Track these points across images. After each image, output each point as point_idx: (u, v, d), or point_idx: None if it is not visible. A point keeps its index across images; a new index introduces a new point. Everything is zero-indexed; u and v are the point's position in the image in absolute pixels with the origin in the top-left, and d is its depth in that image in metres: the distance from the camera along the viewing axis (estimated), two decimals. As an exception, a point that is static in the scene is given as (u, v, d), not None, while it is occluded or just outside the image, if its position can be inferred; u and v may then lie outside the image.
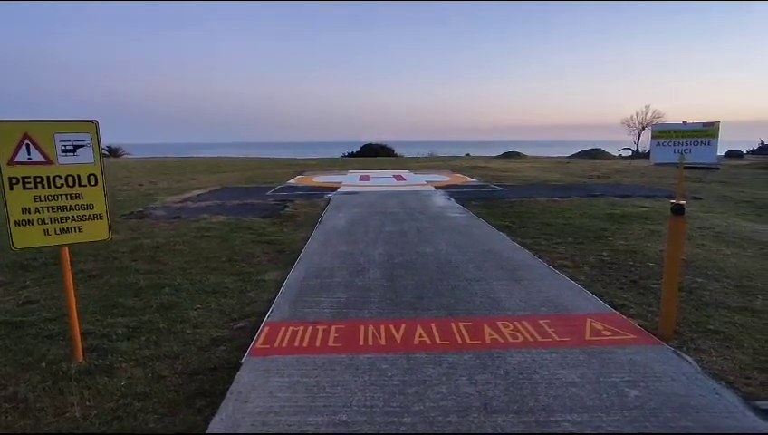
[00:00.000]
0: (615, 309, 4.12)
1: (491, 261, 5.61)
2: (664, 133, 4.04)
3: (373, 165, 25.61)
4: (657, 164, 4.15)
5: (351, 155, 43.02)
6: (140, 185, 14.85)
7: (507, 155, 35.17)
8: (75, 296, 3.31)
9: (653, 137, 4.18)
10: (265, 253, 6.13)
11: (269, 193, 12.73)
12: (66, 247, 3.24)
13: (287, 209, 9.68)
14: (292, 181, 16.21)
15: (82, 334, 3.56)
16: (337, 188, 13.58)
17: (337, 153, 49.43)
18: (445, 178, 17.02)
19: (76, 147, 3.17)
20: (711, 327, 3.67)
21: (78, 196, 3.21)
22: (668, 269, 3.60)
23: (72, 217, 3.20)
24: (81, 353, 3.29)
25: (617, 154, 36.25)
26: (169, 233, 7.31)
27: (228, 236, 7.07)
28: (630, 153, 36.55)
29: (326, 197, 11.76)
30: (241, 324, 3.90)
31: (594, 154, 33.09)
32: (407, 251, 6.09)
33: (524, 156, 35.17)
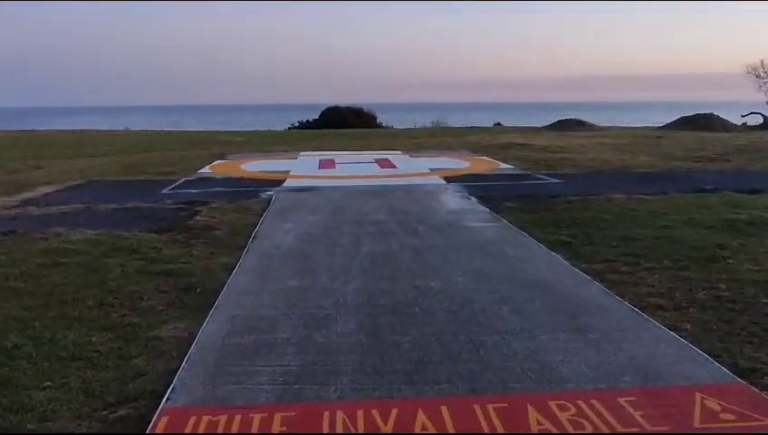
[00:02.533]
0: (740, 377, 4.21)
1: (538, 300, 5.69)
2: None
3: (342, 142, 25.92)
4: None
5: (305, 126, 43.14)
6: (-53, 178, 14.58)
7: (562, 125, 35.95)
8: None
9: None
10: (162, 292, 6.15)
11: (168, 190, 12.82)
12: None
13: (198, 218, 9.74)
14: (206, 170, 16.37)
15: None
16: (282, 182, 13.78)
17: (281, 123, 49.27)
18: (460, 163, 17.39)
19: None
20: None
21: None
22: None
23: None
24: None
25: (739, 123, 36.98)
26: (-3, 259, 6.93)
27: (99, 265, 7.09)
28: (762, 120, 37.34)
29: (264, 196, 11.92)
30: (121, 413, 3.90)
31: (703, 123, 33.62)
32: (399, 286, 6.18)
33: (590, 126, 36.06)
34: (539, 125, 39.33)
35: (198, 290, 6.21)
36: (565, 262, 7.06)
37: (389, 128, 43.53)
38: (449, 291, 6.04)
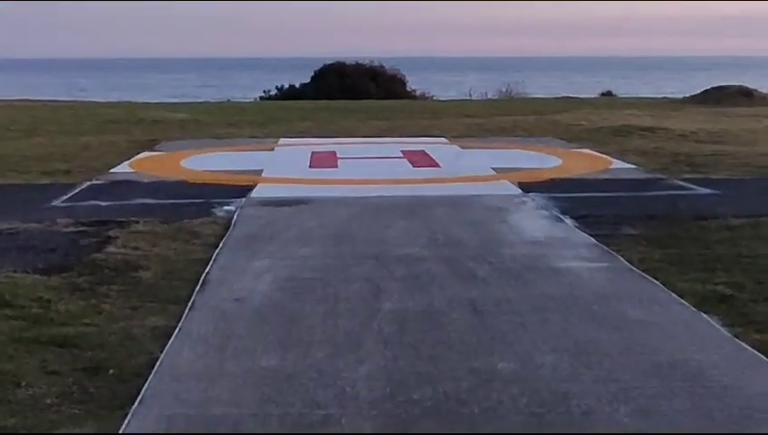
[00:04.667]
0: None
1: (681, 397, 4.79)
2: None
3: (348, 123, 22.53)
4: None
5: (288, 95, 37.18)
6: None
7: (716, 96, 30.39)
8: None
9: None
10: (52, 373, 5.31)
11: (62, 202, 11.06)
12: None
13: (112, 249, 8.44)
14: (124, 169, 14.29)
15: None
16: (250, 190, 11.81)
17: (249, 90, 44.36)
18: (547, 159, 15.34)
19: None
20: None
21: None
22: None
23: None
24: None
25: None
26: None
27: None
28: None
29: (221, 213, 10.21)
30: None
31: None
32: (445, 369, 5.24)
33: (764, 97, 30.70)
34: (676, 95, 34.24)
35: (112, 372, 5.25)
36: (724, 331, 5.87)
37: (427, 99, 37.72)
38: (530, 378, 5.06)
